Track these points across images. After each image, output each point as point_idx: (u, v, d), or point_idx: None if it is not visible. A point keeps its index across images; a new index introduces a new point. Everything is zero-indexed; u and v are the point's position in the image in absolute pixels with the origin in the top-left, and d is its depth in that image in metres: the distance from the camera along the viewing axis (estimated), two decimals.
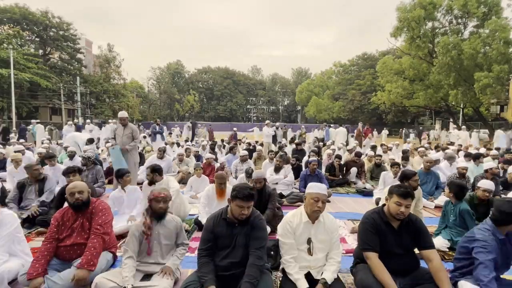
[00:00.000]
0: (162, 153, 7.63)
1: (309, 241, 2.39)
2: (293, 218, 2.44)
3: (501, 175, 5.99)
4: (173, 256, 2.70)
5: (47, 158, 5.95)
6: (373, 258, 2.24)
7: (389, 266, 2.22)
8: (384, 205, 2.43)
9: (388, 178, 5.51)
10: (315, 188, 2.38)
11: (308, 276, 2.36)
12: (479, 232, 2.34)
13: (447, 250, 3.41)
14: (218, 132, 24.34)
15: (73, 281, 2.40)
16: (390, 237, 2.31)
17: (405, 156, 7.38)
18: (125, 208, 4.15)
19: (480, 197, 3.70)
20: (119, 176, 4.20)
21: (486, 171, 5.24)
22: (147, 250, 2.64)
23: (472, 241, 2.31)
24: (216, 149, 10.36)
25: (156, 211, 2.66)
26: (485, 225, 2.37)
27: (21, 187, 4.33)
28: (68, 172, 4.15)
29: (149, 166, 4.42)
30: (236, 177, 6.73)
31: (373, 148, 9.51)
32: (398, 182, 4.25)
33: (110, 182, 6.66)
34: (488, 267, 2.15)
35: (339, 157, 7.55)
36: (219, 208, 2.57)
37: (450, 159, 7.14)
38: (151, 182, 4.29)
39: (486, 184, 3.68)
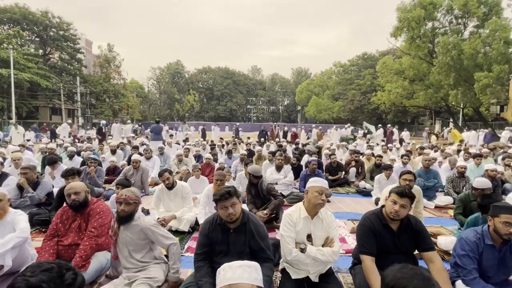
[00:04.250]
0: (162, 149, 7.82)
1: (309, 237, 2.40)
2: (293, 213, 2.46)
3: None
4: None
5: (50, 164, 5.83)
6: (367, 261, 2.23)
7: (386, 267, 2.21)
8: (383, 206, 2.41)
9: (382, 180, 5.59)
10: (319, 182, 2.43)
11: (308, 280, 2.38)
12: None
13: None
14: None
15: None
16: (389, 240, 2.30)
17: (405, 158, 7.19)
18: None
19: (475, 194, 3.96)
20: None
21: (486, 171, 5.27)
22: (113, 256, 2.58)
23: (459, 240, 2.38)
24: (216, 149, 10.34)
25: (118, 213, 2.49)
26: (478, 228, 2.38)
27: (20, 187, 4.34)
28: (67, 175, 4.13)
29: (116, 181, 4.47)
30: (235, 177, 6.68)
31: (369, 147, 9.95)
32: (391, 184, 4.40)
33: (110, 182, 6.66)
34: (468, 271, 2.20)
35: (334, 153, 7.97)
36: None
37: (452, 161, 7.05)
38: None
39: (479, 182, 4.02)
